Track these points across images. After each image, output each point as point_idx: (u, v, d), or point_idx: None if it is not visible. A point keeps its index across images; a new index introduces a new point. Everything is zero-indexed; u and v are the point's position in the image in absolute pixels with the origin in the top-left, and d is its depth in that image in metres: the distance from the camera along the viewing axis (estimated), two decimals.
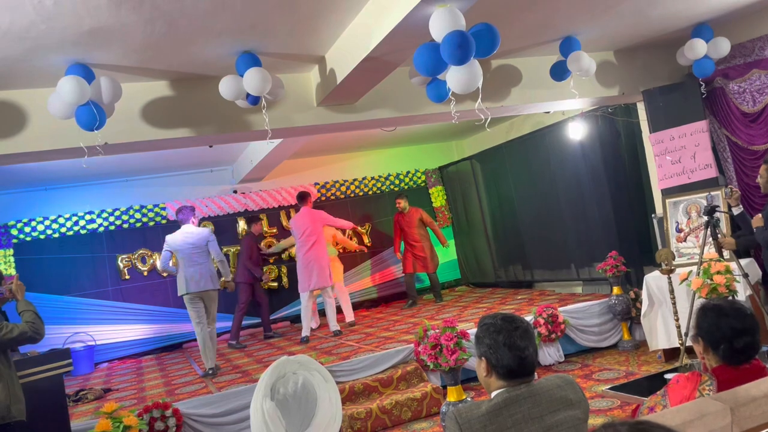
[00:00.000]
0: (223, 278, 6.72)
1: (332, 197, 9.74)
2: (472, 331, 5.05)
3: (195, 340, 8.00)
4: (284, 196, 9.51)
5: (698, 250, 5.29)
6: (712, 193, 5.67)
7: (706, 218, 4.82)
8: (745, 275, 4.71)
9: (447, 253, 10.39)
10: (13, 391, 3.55)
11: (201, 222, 8.96)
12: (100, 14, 3.48)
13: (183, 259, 6.25)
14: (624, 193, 7.04)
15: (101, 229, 8.58)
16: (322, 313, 8.28)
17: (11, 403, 3.51)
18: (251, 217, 8.68)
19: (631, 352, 6.25)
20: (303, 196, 7.72)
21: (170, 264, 6.54)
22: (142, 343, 8.52)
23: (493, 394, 1.99)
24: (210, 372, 6.15)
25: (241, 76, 4.41)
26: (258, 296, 8.14)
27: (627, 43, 6.07)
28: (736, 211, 5.25)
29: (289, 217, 9.43)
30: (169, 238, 6.41)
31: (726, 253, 4.84)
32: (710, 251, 4.92)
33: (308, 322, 7.44)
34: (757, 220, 4.71)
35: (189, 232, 6.36)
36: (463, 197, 10.13)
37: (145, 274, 8.69)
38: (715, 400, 1.99)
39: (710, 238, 4.83)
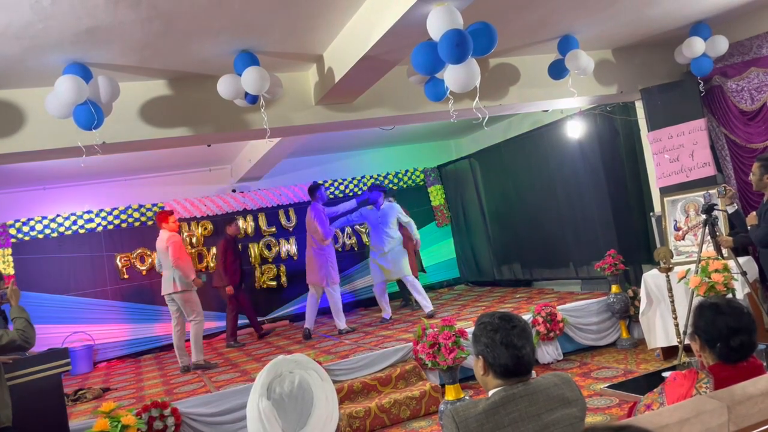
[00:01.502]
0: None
1: (331, 196, 9.73)
2: (471, 329, 5.03)
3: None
4: (283, 195, 9.51)
5: (696, 249, 5.29)
6: (710, 191, 5.67)
7: (704, 216, 4.83)
8: (744, 273, 4.71)
9: (446, 252, 10.41)
10: (2, 396, 3.51)
11: (200, 222, 8.99)
12: (98, 13, 3.48)
13: (159, 264, 6.82)
14: (622, 192, 7.05)
15: (100, 228, 8.58)
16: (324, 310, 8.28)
17: (1, 408, 3.47)
18: (228, 219, 8.38)
19: (629, 350, 6.26)
20: (311, 190, 7.62)
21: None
22: (141, 342, 8.52)
23: (491, 392, 2.00)
24: (185, 368, 6.59)
25: (240, 75, 4.41)
26: (240, 299, 7.97)
27: (625, 42, 6.07)
28: (730, 209, 5.26)
29: (288, 217, 9.46)
30: None
31: (724, 251, 4.85)
32: (708, 249, 4.92)
33: (312, 316, 7.47)
34: (751, 218, 4.72)
35: (159, 238, 6.72)
36: (462, 196, 10.14)
37: (144, 273, 8.69)
38: (711, 398, 1.99)
39: (708, 237, 4.83)
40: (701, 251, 4.86)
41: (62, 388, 4.66)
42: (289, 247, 9.40)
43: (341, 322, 7.37)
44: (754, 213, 4.74)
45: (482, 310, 7.34)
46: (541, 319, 6.13)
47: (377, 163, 10.13)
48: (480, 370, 2.04)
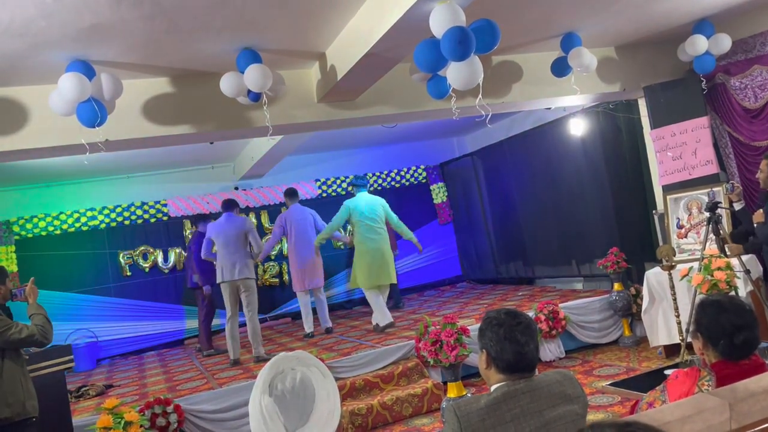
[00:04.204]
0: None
1: (333, 194, 9.73)
2: (473, 327, 5.06)
3: (196, 336, 8.05)
4: None
5: (699, 246, 5.28)
6: (714, 189, 5.66)
7: (707, 214, 4.81)
8: (747, 271, 4.71)
9: (448, 250, 10.40)
10: (26, 387, 3.61)
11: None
12: (101, 10, 3.48)
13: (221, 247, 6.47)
14: (625, 190, 7.04)
15: (102, 225, 8.59)
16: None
17: (25, 399, 3.57)
18: (199, 216, 7.84)
19: (631, 348, 6.26)
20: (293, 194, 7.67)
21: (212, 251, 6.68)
22: (144, 339, 8.54)
23: (493, 387, 2.02)
24: (235, 361, 6.38)
25: (242, 72, 4.41)
26: (201, 304, 7.42)
27: (628, 39, 6.06)
28: (737, 206, 5.25)
29: None
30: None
31: (728, 251, 4.84)
32: (711, 247, 4.92)
33: (309, 319, 7.45)
34: (758, 216, 4.71)
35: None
36: (464, 194, 10.13)
37: (147, 270, 8.70)
38: (713, 396, 1.99)
39: (712, 234, 4.82)
40: (704, 249, 4.85)
41: (65, 385, 4.69)
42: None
43: (328, 320, 7.52)
44: (761, 211, 4.73)
45: (484, 307, 7.35)
46: (543, 317, 6.12)
47: (379, 160, 10.12)
48: (483, 364, 2.07)
